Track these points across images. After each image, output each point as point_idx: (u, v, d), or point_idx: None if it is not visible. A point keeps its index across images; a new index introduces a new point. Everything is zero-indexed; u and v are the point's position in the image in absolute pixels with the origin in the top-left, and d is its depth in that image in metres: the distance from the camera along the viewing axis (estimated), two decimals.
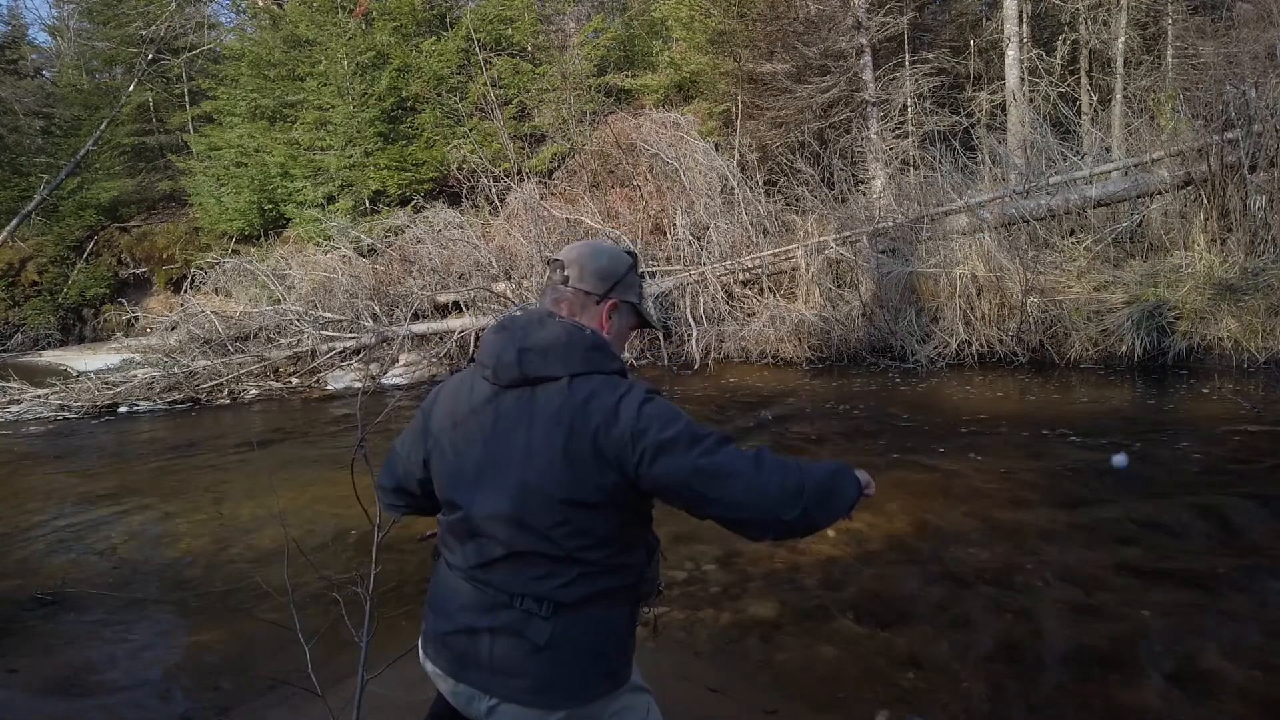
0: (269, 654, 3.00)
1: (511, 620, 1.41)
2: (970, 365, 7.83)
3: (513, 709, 1.41)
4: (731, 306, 9.74)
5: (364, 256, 12.85)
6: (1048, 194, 8.68)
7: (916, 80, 12.31)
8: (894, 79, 12.44)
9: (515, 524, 1.41)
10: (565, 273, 1.56)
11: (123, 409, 8.81)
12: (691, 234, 10.59)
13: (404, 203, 14.68)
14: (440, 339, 10.16)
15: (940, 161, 10.05)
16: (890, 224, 9.27)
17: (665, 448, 1.36)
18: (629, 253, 1.65)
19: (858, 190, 11.02)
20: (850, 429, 5.97)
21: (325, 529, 4.44)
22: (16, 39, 22.94)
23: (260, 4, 17.96)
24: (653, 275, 10.29)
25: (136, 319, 14.88)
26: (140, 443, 7.34)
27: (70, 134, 19.39)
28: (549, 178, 13.78)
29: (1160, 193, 8.15)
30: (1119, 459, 3.98)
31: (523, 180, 13.04)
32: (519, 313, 1.58)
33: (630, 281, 1.61)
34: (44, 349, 17.34)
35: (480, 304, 10.65)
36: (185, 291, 14.03)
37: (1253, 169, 7.60)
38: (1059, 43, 13.36)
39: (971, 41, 13.55)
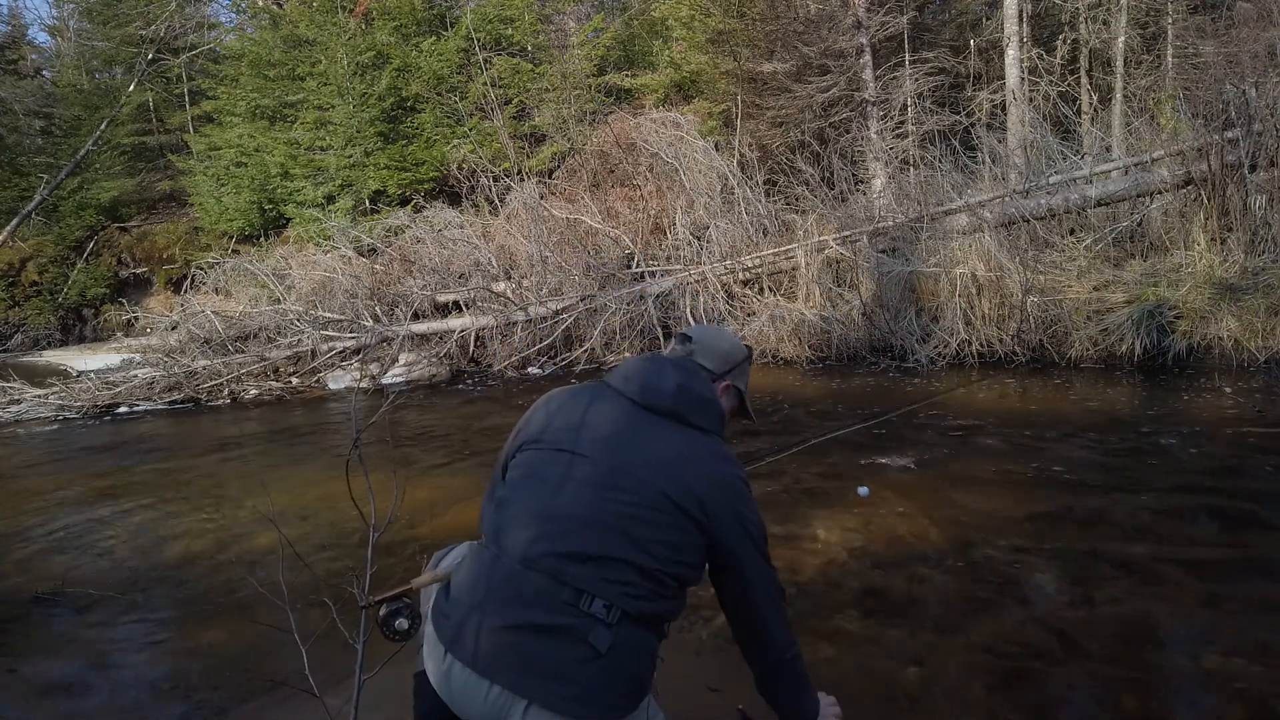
0: (268, 655, 2.99)
1: (575, 623, 1.41)
2: (970, 365, 7.83)
3: (546, 715, 1.38)
4: (731, 306, 9.74)
5: (364, 256, 12.84)
6: (1048, 193, 8.67)
7: (916, 80, 12.29)
8: (894, 78, 12.42)
9: (620, 529, 1.48)
10: (691, 347, 1.77)
11: (123, 409, 8.81)
12: (691, 233, 10.59)
13: (404, 202, 14.68)
14: (440, 339, 10.16)
15: (940, 161, 10.04)
16: (890, 223, 9.27)
17: (753, 546, 1.59)
18: (746, 346, 1.89)
19: (858, 190, 11.00)
20: (850, 429, 5.96)
21: (324, 529, 4.43)
22: (16, 39, 22.95)
23: (260, 4, 17.96)
24: (653, 275, 10.29)
25: (136, 319, 14.91)
26: (140, 443, 7.34)
27: (70, 134, 19.39)
28: (549, 177, 13.77)
29: (1160, 192, 8.15)
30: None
31: (523, 180, 13.04)
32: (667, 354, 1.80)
33: (744, 370, 1.84)
34: (44, 349, 17.35)
35: (480, 304, 10.66)
36: (185, 291, 14.04)
37: (1253, 168, 7.60)
38: (1059, 42, 13.35)
39: (971, 41, 13.55)
